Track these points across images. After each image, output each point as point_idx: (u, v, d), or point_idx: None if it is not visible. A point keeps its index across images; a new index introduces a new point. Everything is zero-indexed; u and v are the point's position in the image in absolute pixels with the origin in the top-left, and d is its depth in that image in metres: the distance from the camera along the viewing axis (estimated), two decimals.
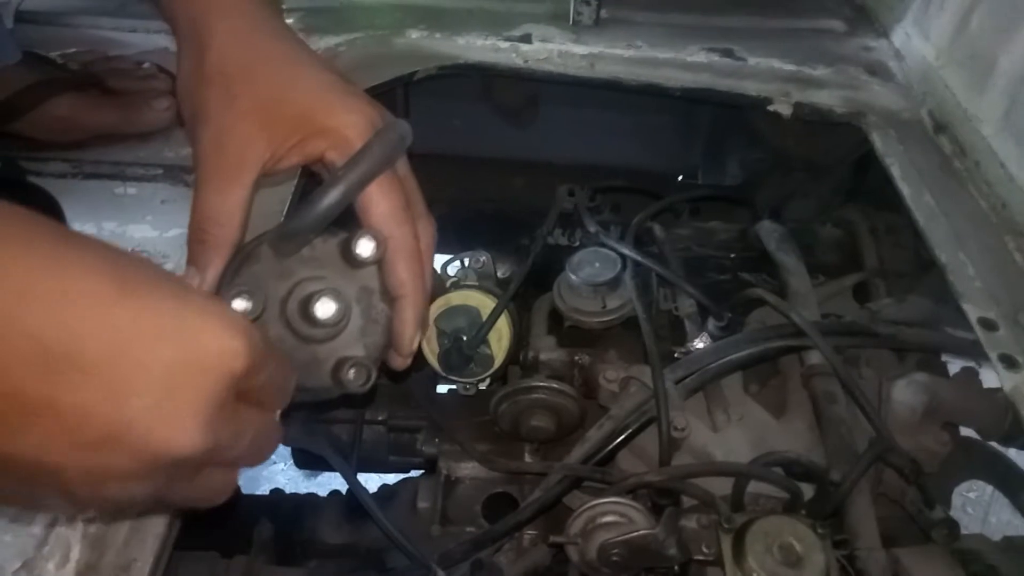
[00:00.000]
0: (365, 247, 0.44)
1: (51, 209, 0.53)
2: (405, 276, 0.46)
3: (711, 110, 1.03)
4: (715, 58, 0.83)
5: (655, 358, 0.57)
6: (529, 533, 0.65)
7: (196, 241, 0.44)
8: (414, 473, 0.83)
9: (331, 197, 0.43)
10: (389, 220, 0.45)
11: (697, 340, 0.62)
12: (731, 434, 0.59)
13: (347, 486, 0.80)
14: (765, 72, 0.81)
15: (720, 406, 0.60)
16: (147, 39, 0.80)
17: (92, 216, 0.62)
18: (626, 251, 0.64)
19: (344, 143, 0.44)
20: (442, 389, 0.81)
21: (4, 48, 0.62)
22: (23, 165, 0.55)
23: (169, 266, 0.59)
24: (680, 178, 1.16)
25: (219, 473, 0.36)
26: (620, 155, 1.10)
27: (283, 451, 1.37)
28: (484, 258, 0.78)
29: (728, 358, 0.59)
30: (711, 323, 0.63)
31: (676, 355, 0.62)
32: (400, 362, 0.50)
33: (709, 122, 1.08)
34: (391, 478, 0.82)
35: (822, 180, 0.86)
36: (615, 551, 0.49)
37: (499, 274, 0.79)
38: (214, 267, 0.44)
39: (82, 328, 0.29)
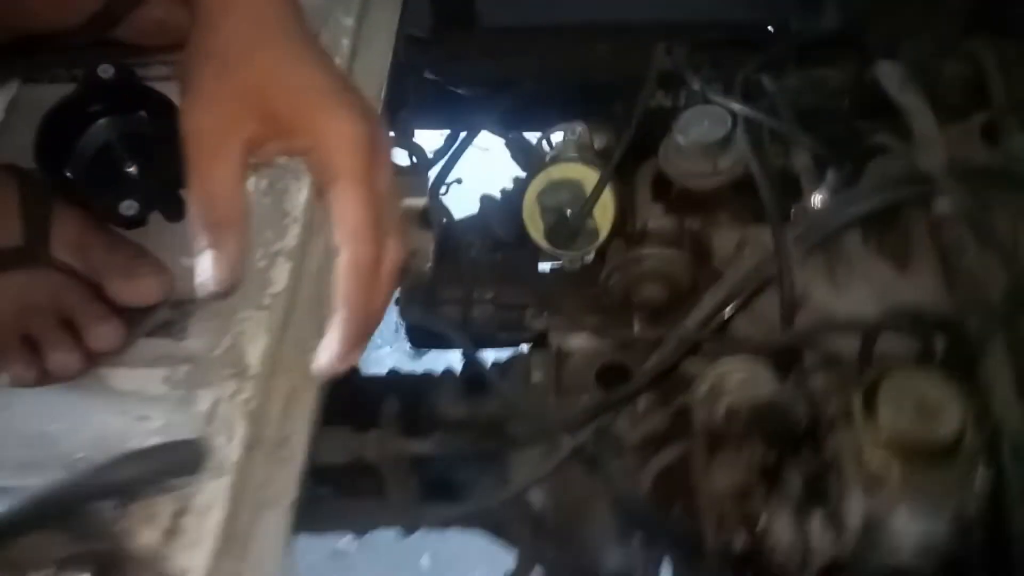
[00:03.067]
0: None
1: (171, 112, 0.54)
2: (352, 293, 0.44)
3: None
4: None
5: (775, 215, 0.55)
6: (645, 400, 0.67)
7: (211, 224, 0.43)
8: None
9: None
10: (353, 236, 0.44)
11: (815, 195, 0.60)
12: (853, 290, 0.58)
13: (458, 364, 0.83)
14: None
15: (841, 262, 0.59)
16: None
17: None
18: (736, 106, 0.61)
19: (324, 148, 0.44)
20: (543, 267, 0.82)
21: None
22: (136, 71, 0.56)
23: (280, 159, 0.60)
24: (770, 29, 1.09)
25: None
26: (704, 9, 1.04)
27: (388, 334, 1.43)
28: (580, 129, 0.77)
29: (849, 211, 0.57)
30: (830, 175, 0.60)
31: (792, 212, 0.61)
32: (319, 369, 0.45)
33: None
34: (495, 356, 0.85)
35: (940, 10, 0.78)
36: (743, 413, 0.50)
37: (597, 142, 0.78)
38: (237, 243, 0.44)
39: None
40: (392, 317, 0.79)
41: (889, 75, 0.63)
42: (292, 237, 0.56)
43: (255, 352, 0.51)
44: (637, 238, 0.67)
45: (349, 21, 0.69)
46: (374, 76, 0.67)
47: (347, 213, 0.43)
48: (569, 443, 0.60)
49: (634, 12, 1.02)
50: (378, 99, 0.66)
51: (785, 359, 0.56)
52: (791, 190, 0.63)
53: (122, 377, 0.50)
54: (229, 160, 0.43)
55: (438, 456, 0.74)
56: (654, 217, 0.66)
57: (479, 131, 0.95)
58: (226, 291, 0.44)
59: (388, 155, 0.47)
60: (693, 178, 0.62)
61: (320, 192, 0.45)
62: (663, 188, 0.67)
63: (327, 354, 0.44)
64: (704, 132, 0.61)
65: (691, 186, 0.63)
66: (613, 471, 0.59)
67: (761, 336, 0.59)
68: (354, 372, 0.92)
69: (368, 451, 0.71)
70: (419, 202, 0.63)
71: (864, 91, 0.67)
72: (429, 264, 0.64)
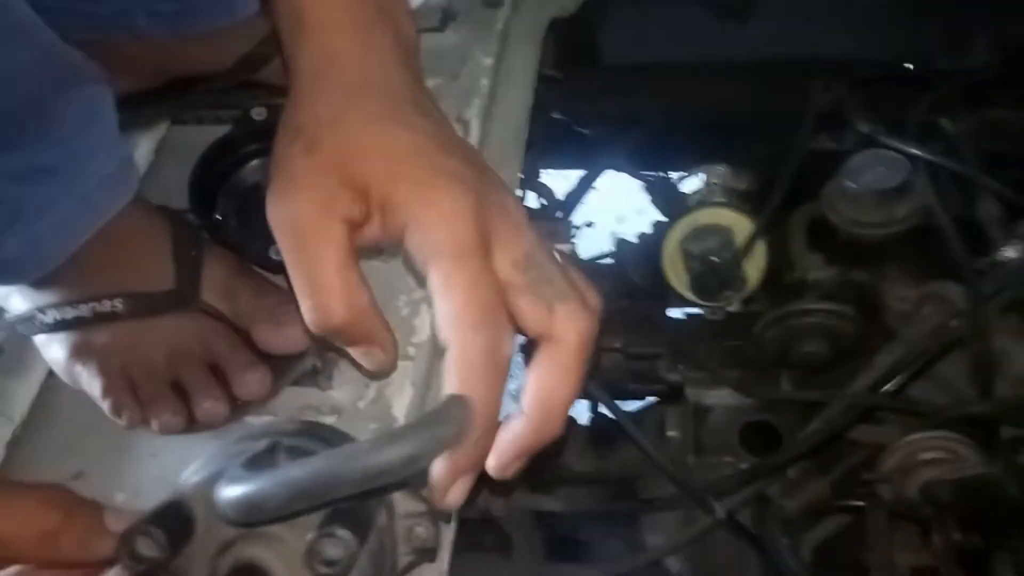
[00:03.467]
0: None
1: None
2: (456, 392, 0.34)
3: None
4: None
5: (969, 267, 0.49)
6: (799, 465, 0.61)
7: (334, 331, 0.37)
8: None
9: (305, 473, 0.30)
10: (450, 324, 0.34)
11: (1007, 248, 0.54)
12: None
13: (579, 413, 0.79)
14: None
15: None
16: None
17: None
18: (916, 150, 0.56)
19: (416, 223, 0.35)
20: (675, 311, 0.77)
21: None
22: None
23: None
24: (910, 67, 1.02)
25: None
26: (840, 47, 0.98)
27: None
28: (723, 171, 0.73)
29: None
30: (1023, 226, 0.54)
31: (980, 268, 0.55)
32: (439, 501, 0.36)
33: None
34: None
35: None
36: (945, 491, 0.44)
37: (740, 184, 0.73)
38: (370, 336, 0.38)
39: None
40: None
41: None
42: None
43: (401, 405, 0.49)
44: (795, 290, 0.62)
45: (488, 61, 0.68)
46: (513, 117, 0.66)
47: (445, 299, 0.34)
48: (722, 509, 0.55)
49: (762, 49, 0.98)
50: (518, 140, 0.64)
51: (979, 432, 0.50)
52: (974, 243, 0.57)
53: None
54: (335, 249, 0.35)
55: (566, 513, 0.70)
56: (815, 268, 0.61)
57: (604, 171, 0.92)
58: (386, 374, 0.40)
59: (514, 235, 0.36)
60: (864, 227, 0.57)
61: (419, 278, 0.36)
62: (823, 236, 0.62)
63: (439, 487, 0.35)
64: (880, 178, 0.56)
65: (862, 236, 0.58)
66: (773, 541, 0.53)
67: (944, 404, 0.53)
68: None
69: (494, 505, 0.68)
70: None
71: None
72: None
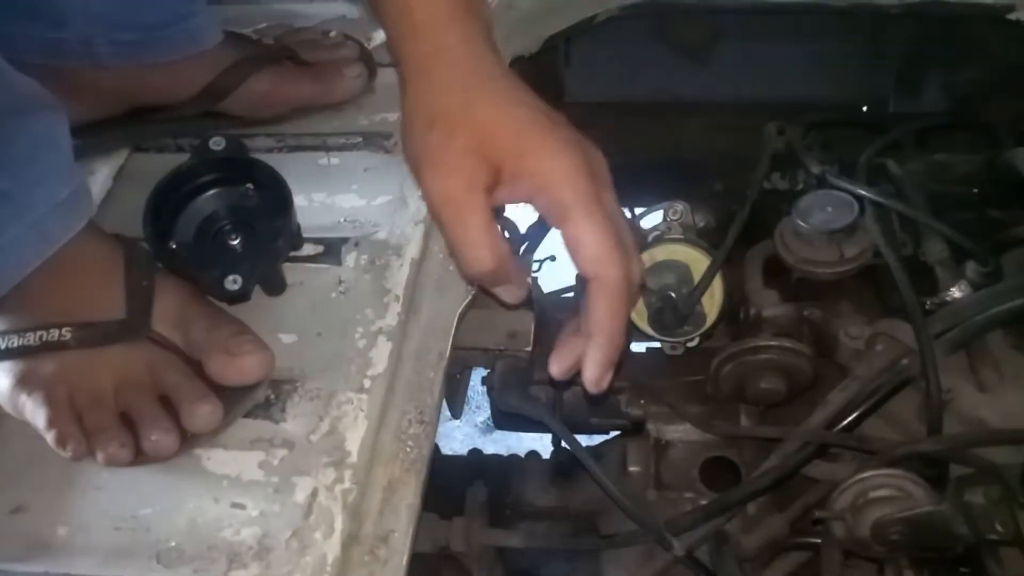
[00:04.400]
0: None
1: (277, 185, 0.53)
2: (604, 318, 0.45)
3: (906, 28, 0.92)
4: None
5: (916, 310, 0.51)
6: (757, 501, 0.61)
7: (490, 278, 0.48)
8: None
9: None
10: (598, 262, 0.45)
11: (954, 288, 0.55)
12: (1004, 394, 0.53)
13: (537, 445, 0.79)
14: None
15: (988, 363, 0.53)
16: (325, 8, 0.80)
17: (301, 188, 0.62)
18: (864, 192, 0.57)
19: (551, 187, 0.44)
20: (637, 347, 0.78)
21: (208, 29, 0.63)
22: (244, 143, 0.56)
23: (381, 235, 0.58)
24: (864, 109, 1.06)
25: None
26: (797, 89, 1.01)
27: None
28: (681, 207, 0.74)
29: (996, 309, 0.52)
30: (971, 268, 0.55)
31: (928, 306, 0.56)
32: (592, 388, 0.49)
33: (904, 42, 0.96)
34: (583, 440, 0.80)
35: None
36: (895, 529, 0.44)
37: (698, 221, 0.74)
38: (513, 276, 0.49)
39: None
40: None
41: None
42: (392, 316, 0.54)
43: (354, 438, 0.48)
44: (751, 326, 0.63)
45: None
46: None
47: (587, 242, 0.44)
48: (681, 546, 0.55)
49: (722, 90, 1.00)
50: None
51: (929, 470, 0.50)
52: (922, 282, 0.58)
53: (218, 459, 0.48)
54: (481, 214, 0.45)
55: (527, 549, 0.69)
56: (770, 305, 0.61)
57: None
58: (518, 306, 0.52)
59: (608, 177, 0.49)
60: (816, 266, 0.58)
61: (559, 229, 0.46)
62: (778, 274, 0.63)
63: (592, 378, 0.47)
64: (829, 218, 0.57)
65: (814, 274, 0.59)
66: None
67: (896, 440, 0.54)
68: (435, 452, 0.88)
69: (454, 540, 0.67)
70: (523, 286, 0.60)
71: (996, 178, 0.63)
72: (529, 347, 0.61)
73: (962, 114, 0.77)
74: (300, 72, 0.67)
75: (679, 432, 0.69)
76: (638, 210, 0.91)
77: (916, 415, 0.53)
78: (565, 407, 0.78)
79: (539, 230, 0.89)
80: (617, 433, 0.78)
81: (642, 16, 0.80)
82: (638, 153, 1.02)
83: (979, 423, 0.52)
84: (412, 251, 0.58)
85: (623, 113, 1.02)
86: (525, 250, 0.88)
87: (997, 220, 0.63)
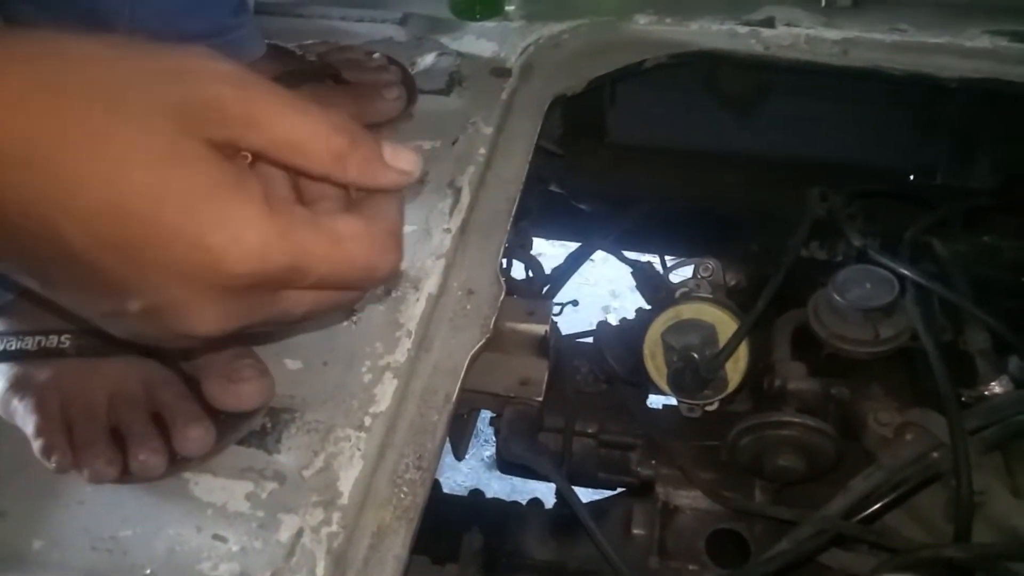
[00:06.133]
0: None
1: None
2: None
3: (961, 99, 0.89)
4: (1002, 42, 0.70)
5: (952, 402, 0.48)
6: None
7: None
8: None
9: None
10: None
11: (994, 383, 0.52)
12: None
13: (549, 496, 0.76)
14: None
15: (1023, 467, 0.50)
16: (374, 28, 0.80)
17: None
18: (906, 271, 0.54)
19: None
20: (654, 401, 0.75)
21: (252, 41, 0.63)
22: None
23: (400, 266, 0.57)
24: (912, 178, 1.03)
25: (308, 295, 0.33)
26: (843, 151, 0.99)
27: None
28: (712, 265, 0.71)
29: None
30: (1014, 363, 0.52)
31: (964, 399, 0.53)
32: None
33: (957, 113, 0.94)
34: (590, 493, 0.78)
35: None
36: None
37: (729, 280, 0.72)
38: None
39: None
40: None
41: None
42: (402, 352, 0.52)
43: (348, 477, 0.46)
44: (774, 398, 0.60)
45: (489, 130, 0.68)
46: (506, 188, 0.65)
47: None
48: None
49: (767, 145, 0.98)
50: (508, 211, 0.63)
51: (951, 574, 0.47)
52: (960, 372, 0.55)
53: (205, 485, 0.46)
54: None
55: None
56: (796, 378, 0.59)
57: (595, 250, 0.91)
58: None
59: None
60: (849, 343, 0.55)
61: None
62: (807, 347, 0.60)
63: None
64: (867, 295, 0.54)
65: (846, 352, 0.56)
66: None
67: (919, 540, 0.50)
68: (435, 489, 0.86)
69: None
70: (540, 329, 0.58)
71: None
72: (540, 397, 0.58)
73: (1014, 196, 0.74)
74: (340, 90, 0.66)
75: (689, 498, 0.66)
76: (669, 261, 0.89)
77: (943, 514, 0.50)
78: (574, 458, 0.76)
79: (564, 272, 0.88)
80: (624, 490, 0.75)
81: (691, 64, 0.79)
82: (676, 201, 1.00)
83: (1012, 532, 0.48)
84: (430, 286, 0.56)
85: (664, 159, 1.01)
86: (547, 291, 0.86)
87: None
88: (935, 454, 0.50)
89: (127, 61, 0.29)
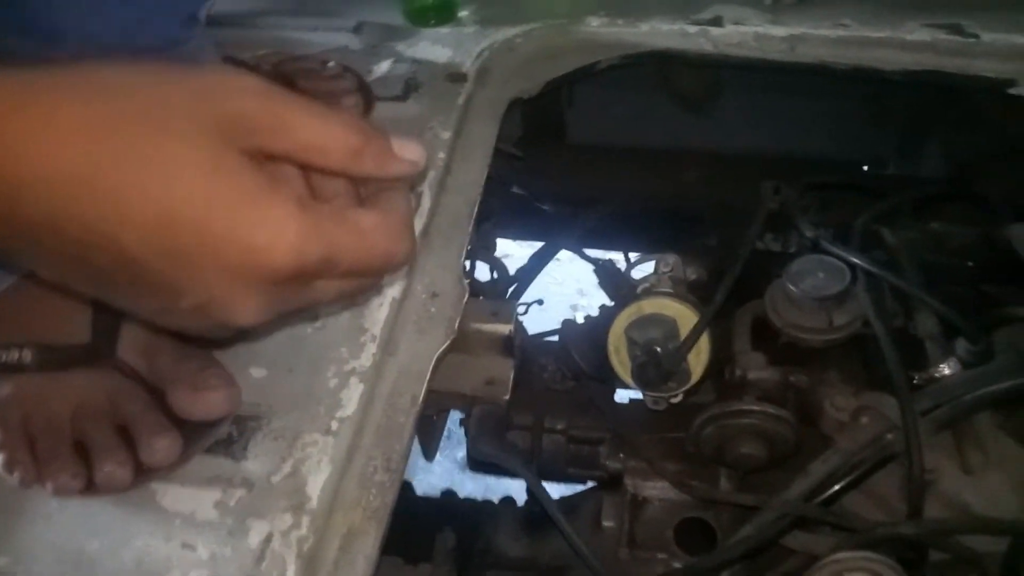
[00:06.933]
0: None
1: None
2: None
3: (909, 92, 0.92)
4: (940, 35, 0.73)
5: (902, 385, 0.49)
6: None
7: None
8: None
9: None
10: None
11: (943, 365, 0.54)
12: (989, 478, 0.51)
13: (516, 489, 0.77)
14: (1004, 49, 0.70)
15: (974, 444, 0.52)
16: (328, 37, 0.80)
17: None
18: (856, 260, 0.56)
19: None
20: (621, 396, 0.76)
21: (204, 53, 0.62)
22: None
23: None
24: (865, 168, 1.06)
25: (335, 283, 0.36)
26: (799, 144, 1.01)
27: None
28: (673, 260, 0.73)
29: (986, 389, 0.51)
30: (961, 346, 0.54)
31: (916, 382, 0.55)
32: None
33: (906, 105, 0.96)
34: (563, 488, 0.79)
35: None
36: None
37: (690, 274, 0.74)
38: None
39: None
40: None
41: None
42: (367, 356, 0.53)
43: (316, 482, 0.47)
44: (735, 388, 0.61)
45: (447, 134, 0.68)
46: (466, 191, 0.66)
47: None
48: None
49: (723, 140, 1.00)
50: (469, 214, 0.64)
51: (907, 553, 0.49)
52: (911, 356, 0.57)
53: (173, 496, 0.46)
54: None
55: None
56: (755, 368, 0.60)
57: (559, 250, 0.92)
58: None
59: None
60: (804, 332, 0.57)
61: None
62: (765, 336, 0.62)
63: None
64: (819, 284, 0.56)
65: (802, 340, 0.57)
66: None
67: (876, 518, 0.52)
68: (408, 491, 0.86)
69: None
70: (504, 329, 0.59)
71: (992, 252, 0.62)
72: (507, 396, 0.59)
73: (961, 184, 0.76)
74: None
75: (656, 489, 0.68)
76: (632, 258, 0.91)
77: (899, 493, 0.52)
78: (543, 454, 0.77)
79: (529, 272, 0.88)
80: (595, 484, 0.76)
81: (644, 65, 0.80)
82: (637, 199, 1.01)
83: (962, 507, 0.50)
84: (394, 290, 0.56)
85: (623, 158, 1.02)
86: (513, 293, 0.87)
87: (991, 295, 0.62)
88: (889, 436, 0.52)
89: (164, 87, 0.32)
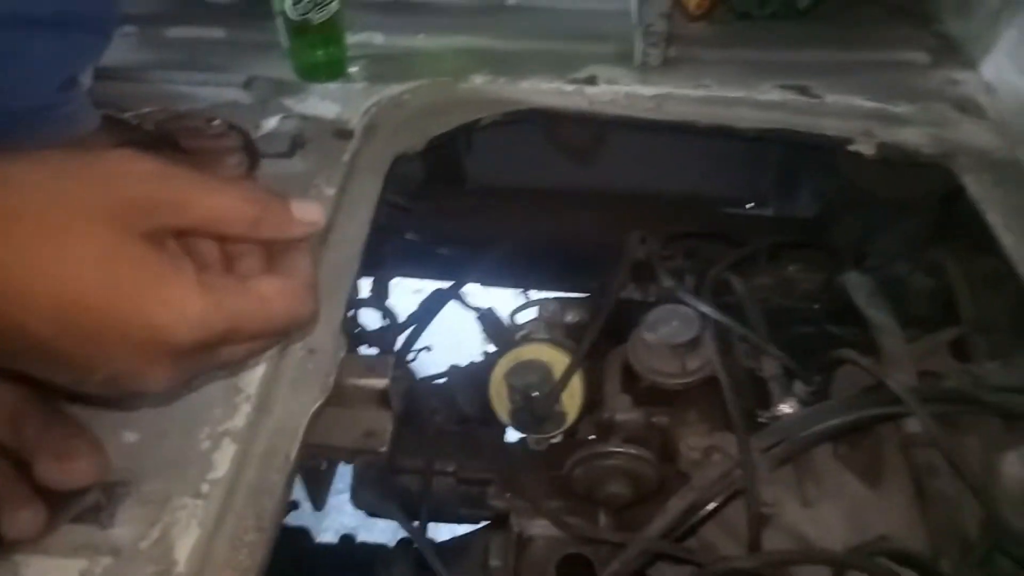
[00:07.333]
0: None
1: None
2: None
3: None
4: (790, 96, 0.79)
5: (739, 426, 0.54)
6: None
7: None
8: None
9: None
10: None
11: (784, 404, 0.59)
12: (824, 509, 0.56)
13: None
14: (844, 110, 0.77)
15: (811, 478, 0.57)
16: (218, 92, 0.81)
17: None
18: (706, 309, 0.61)
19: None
20: (512, 436, 0.79)
21: (85, 115, 0.63)
22: None
23: None
24: (750, 206, 1.13)
25: (242, 347, 0.39)
26: (688, 183, 1.08)
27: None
28: (553, 307, 0.77)
29: (820, 427, 0.56)
30: (798, 386, 0.59)
31: (761, 420, 0.59)
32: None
33: (781, 151, 1.04)
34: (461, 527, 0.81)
35: (908, 216, 0.81)
36: None
37: (569, 318, 0.77)
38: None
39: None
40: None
41: (857, 286, 0.64)
42: (241, 416, 0.54)
43: (184, 547, 0.48)
44: (604, 429, 0.65)
45: (331, 191, 0.71)
46: (349, 245, 0.68)
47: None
48: None
49: (617, 182, 1.06)
50: (351, 270, 0.66)
51: None
52: (759, 396, 0.62)
53: (37, 567, 0.47)
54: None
55: None
56: (622, 409, 0.64)
57: (448, 300, 0.94)
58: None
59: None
60: (661, 376, 0.61)
61: None
62: (632, 379, 0.66)
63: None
64: (672, 332, 0.60)
65: (660, 384, 0.62)
66: None
67: (730, 550, 0.56)
68: (305, 540, 0.87)
69: None
70: (379, 383, 0.61)
71: (832, 297, 0.68)
72: (385, 447, 0.61)
73: (813, 232, 0.83)
74: (178, 159, 0.68)
75: (540, 527, 0.70)
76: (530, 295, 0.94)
77: (747, 526, 0.56)
78: (434, 496, 0.79)
79: (422, 317, 0.91)
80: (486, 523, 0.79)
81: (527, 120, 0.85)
82: (532, 240, 1.06)
83: (801, 538, 0.55)
84: (272, 348, 0.58)
85: (521, 200, 1.06)
86: (412, 335, 0.89)
87: (834, 335, 0.68)
88: (738, 471, 0.57)
89: (61, 180, 0.34)
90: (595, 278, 0.95)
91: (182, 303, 0.34)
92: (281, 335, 0.41)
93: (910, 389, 0.54)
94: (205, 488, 0.50)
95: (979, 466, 0.54)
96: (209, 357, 0.38)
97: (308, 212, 0.40)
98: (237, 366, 0.48)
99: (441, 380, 0.80)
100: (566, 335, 0.73)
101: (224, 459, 0.52)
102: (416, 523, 0.67)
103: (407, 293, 1.02)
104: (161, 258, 0.35)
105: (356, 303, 0.83)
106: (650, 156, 1.05)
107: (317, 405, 0.56)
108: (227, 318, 0.36)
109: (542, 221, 1.07)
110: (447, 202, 1.04)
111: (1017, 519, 0.51)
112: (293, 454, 0.53)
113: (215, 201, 0.37)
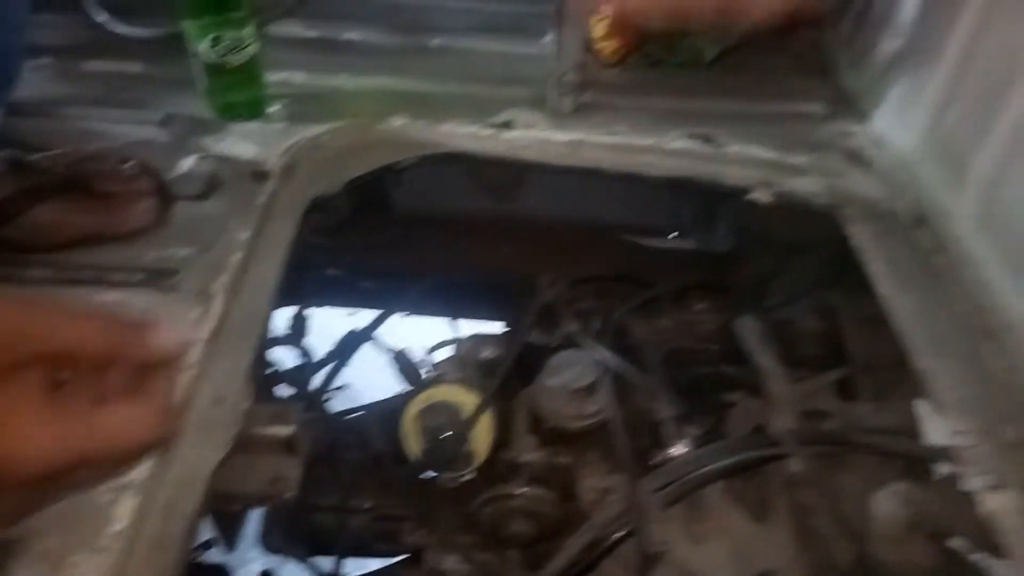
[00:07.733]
0: None
1: None
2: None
3: None
4: (695, 145, 0.83)
5: (630, 469, 0.57)
6: None
7: None
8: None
9: None
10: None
11: (677, 446, 0.62)
12: (712, 546, 0.59)
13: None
14: (745, 159, 0.82)
15: (700, 516, 0.60)
16: (134, 130, 0.81)
17: None
18: (598, 356, 0.64)
19: None
20: (425, 473, 0.81)
21: None
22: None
23: None
24: (673, 235, 1.17)
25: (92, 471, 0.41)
26: (613, 214, 1.11)
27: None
28: (468, 346, 0.79)
29: (708, 468, 0.59)
30: (689, 429, 0.63)
31: (655, 462, 0.62)
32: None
33: (698, 189, 1.08)
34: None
35: (804, 259, 0.86)
36: None
37: (485, 355, 0.79)
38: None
39: None
40: None
41: (748, 331, 0.68)
42: (144, 468, 0.54)
43: None
44: (511, 468, 0.67)
45: (245, 234, 0.71)
46: (262, 289, 0.68)
47: None
48: None
49: (542, 212, 1.08)
50: (264, 314, 0.67)
51: None
52: (657, 434, 0.65)
53: None
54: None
55: None
56: (528, 450, 0.67)
57: (368, 337, 0.95)
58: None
59: None
60: (562, 419, 0.64)
61: None
62: (538, 421, 0.68)
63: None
64: (572, 377, 0.63)
65: (561, 426, 0.64)
66: None
67: None
68: None
69: None
70: (285, 431, 0.62)
71: (731, 338, 0.72)
72: (291, 492, 0.62)
73: (714, 276, 0.87)
74: (88, 203, 0.68)
75: (452, 562, 0.72)
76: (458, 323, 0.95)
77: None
78: (351, 532, 0.80)
79: (341, 354, 0.92)
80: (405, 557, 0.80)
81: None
82: (456, 272, 1.08)
83: (689, 573, 0.58)
84: (176, 398, 0.58)
85: (443, 231, 1.08)
86: (333, 369, 0.90)
87: (729, 376, 0.71)
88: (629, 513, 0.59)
89: None
90: (516, 308, 0.98)
91: (27, 440, 0.36)
92: (130, 462, 0.42)
93: (789, 432, 0.57)
94: (104, 542, 0.50)
95: (854, 504, 0.58)
96: (59, 482, 0.39)
97: (166, 340, 0.41)
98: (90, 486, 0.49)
99: (357, 414, 0.82)
100: (481, 372, 0.76)
101: (124, 512, 0.52)
102: (328, 566, 0.68)
103: (338, 317, 1.03)
104: (8, 392, 0.36)
105: (270, 342, 0.83)
106: (576, 187, 1.08)
107: (221, 456, 0.56)
108: (73, 450, 0.37)
109: (465, 253, 1.10)
110: (371, 235, 1.05)
111: (886, 553, 0.55)
112: (196, 505, 0.53)
113: (73, 332, 0.39)
